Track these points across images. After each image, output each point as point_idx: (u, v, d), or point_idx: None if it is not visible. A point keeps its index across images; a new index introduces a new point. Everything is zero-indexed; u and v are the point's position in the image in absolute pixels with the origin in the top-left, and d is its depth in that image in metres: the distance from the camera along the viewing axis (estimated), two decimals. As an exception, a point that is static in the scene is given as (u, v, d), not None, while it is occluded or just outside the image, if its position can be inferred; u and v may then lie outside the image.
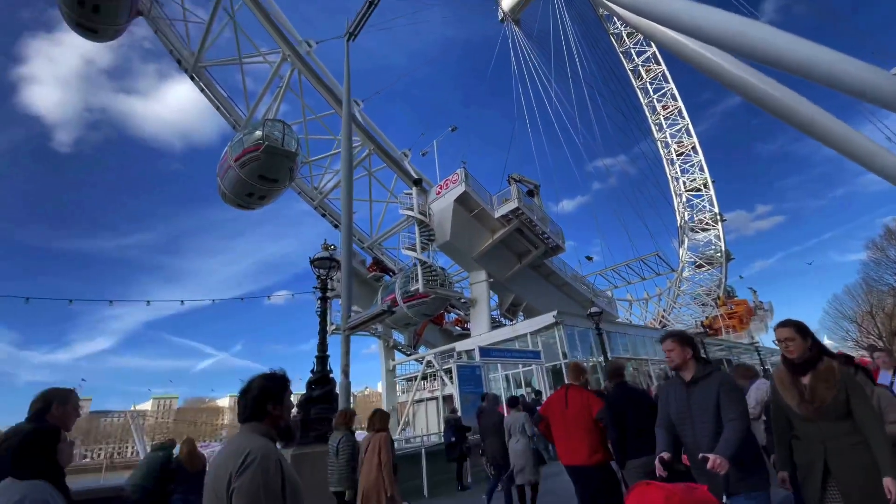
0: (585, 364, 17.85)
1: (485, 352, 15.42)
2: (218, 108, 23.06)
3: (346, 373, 8.82)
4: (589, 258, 37.31)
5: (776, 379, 2.90)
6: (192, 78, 21.98)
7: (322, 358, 9.70)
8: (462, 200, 23.27)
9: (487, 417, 7.68)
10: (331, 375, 9.62)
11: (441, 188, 24.27)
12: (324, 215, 27.01)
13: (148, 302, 28.57)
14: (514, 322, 25.59)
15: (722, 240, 55.21)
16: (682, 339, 3.22)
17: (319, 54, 23.76)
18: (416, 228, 23.43)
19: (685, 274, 54.49)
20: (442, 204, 23.70)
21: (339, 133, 22.23)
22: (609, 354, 17.75)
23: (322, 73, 23.49)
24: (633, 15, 11.98)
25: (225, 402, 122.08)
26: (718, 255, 54.08)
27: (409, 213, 23.75)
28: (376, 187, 27.19)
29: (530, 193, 26.40)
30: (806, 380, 2.70)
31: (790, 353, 2.77)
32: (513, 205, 23.19)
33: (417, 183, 25.20)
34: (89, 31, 18.06)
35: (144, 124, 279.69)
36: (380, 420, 5.22)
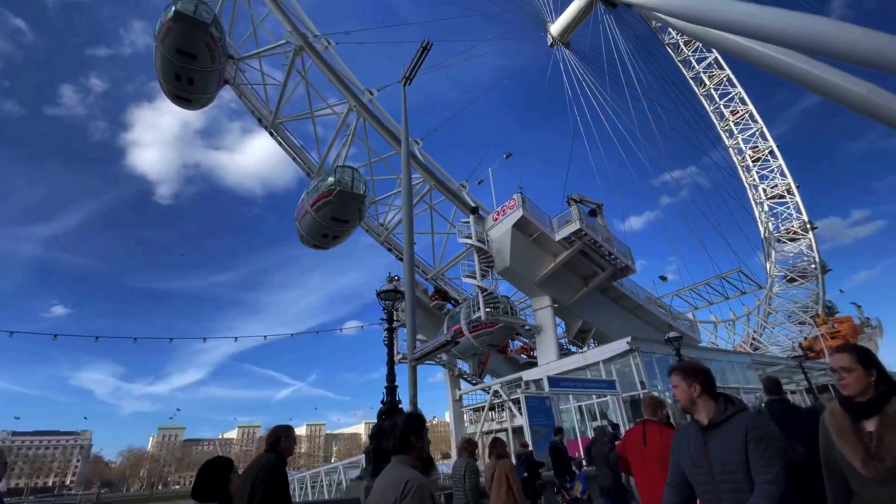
0: (663, 396, 16.43)
1: (554, 381, 14.72)
2: (294, 159, 25.13)
3: (413, 404, 8.83)
4: (663, 278, 34.72)
5: (830, 424, 2.19)
6: (270, 134, 24.24)
7: (391, 388, 9.82)
8: (520, 225, 23.01)
9: (599, 447, 7.44)
10: (400, 406, 9.70)
11: (498, 214, 24.24)
12: (389, 249, 27.85)
13: (236, 339, 31.75)
14: (584, 350, 24.33)
15: (815, 249, 49.20)
16: (689, 370, 2.61)
17: (380, 97, 25.47)
18: (476, 256, 23.44)
19: (776, 289, 48.90)
20: (500, 230, 23.61)
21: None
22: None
23: (384, 118, 25.05)
24: (690, 24, 11.61)
25: (302, 430, 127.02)
26: (812, 266, 48.11)
27: (468, 241, 23.87)
28: (437, 219, 27.78)
29: (592, 213, 25.47)
30: (872, 426, 2.03)
31: (845, 387, 2.13)
32: (574, 226, 22.49)
33: (474, 211, 25.39)
34: (185, 101, 20.65)
35: (230, 175, 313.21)
36: (500, 447, 5.62)
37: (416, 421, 2.33)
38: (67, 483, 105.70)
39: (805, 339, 40.58)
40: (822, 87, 7.44)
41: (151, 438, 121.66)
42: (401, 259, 27.36)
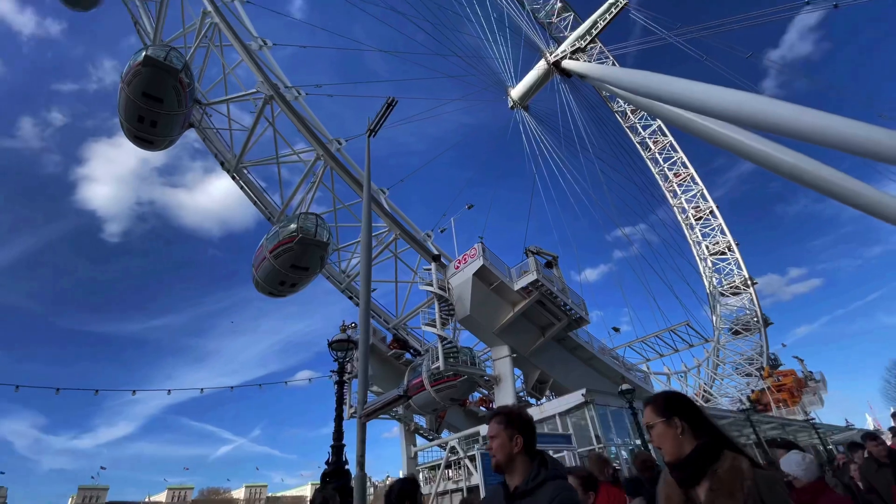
0: (619, 450, 16.44)
1: (511, 436, 14.38)
2: (255, 203, 24.66)
3: (360, 464, 8.29)
4: (616, 329, 35.93)
5: (661, 496, 1.89)
6: (233, 177, 23.90)
7: (338, 448, 9.26)
8: (480, 274, 23.34)
9: None
10: (346, 467, 9.11)
11: (460, 263, 24.54)
12: (350, 297, 27.17)
13: (169, 391, 28.87)
14: (541, 402, 24.17)
15: (756, 303, 52.85)
16: (513, 417, 2.15)
17: (348, 147, 25.86)
18: (436, 304, 23.36)
19: (722, 341, 51.67)
20: (461, 278, 23.82)
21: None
22: (646, 437, 16.27)
23: (350, 167, 25.30)
24: (636, 96, 12.94)
25: (240, 493, 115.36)
26: (755, 319, 51.45)
27: (429, 288, 23.83)
28: (402, 269, 27.70)
29: (549, 265, 26.32)
30: (702, 492, 1.71)
31: (660, 451, 1.83)
32: (531, 277, 23.08)
33: (436, 259, 25.61)
34: (146, 142, 19.83)
35: (187, 214, 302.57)
36: None
37: (411, 485, 2.40)
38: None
39: (752, 391, 42.40)
40: (754, 156, 8.27)
41: (71, 500, 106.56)
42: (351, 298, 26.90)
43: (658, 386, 43.17)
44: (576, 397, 17.42)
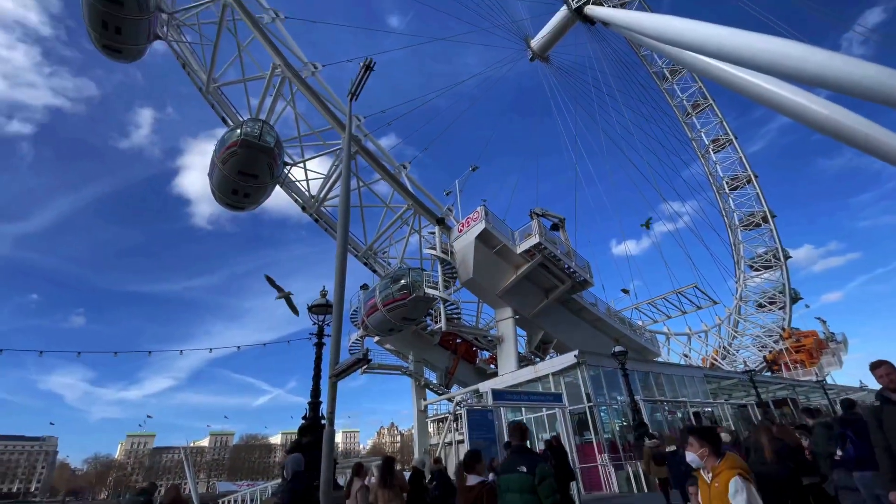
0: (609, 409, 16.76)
1: (498, 395, 14.84)
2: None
3: (331, 421, 8.85)
4: (625, 291, 35.41)
5: None
6: (210, 103, 23.12)
7: (314, 404, 9.86)
8: (483, 238, 23.30)
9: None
10: (322, 422, 9.74)
11: (463, 226, 24.50)
12: (374, 271, 26.95)
13: (210, 350, 31.00)
14: (537, 361, 24.62)
15: (786, 279, 50.53)
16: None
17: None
18: (439, 266, 23.61)
19: (742, 314, 50.20)
20: (463, 242, 23.86)
21: (390, 200, 25.30)
22: (639, 396, 16.49)
23: (376, 150, 25.11)
24: (659, 43, 12.06)
25: (277, 439, 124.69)
26: (782, 294, 49.45)
27: (432, 252, 24.04)
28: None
29: (555, 227, 25.92)
30: None
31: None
32: (534, 240, 22.86)
33: (440, 222, 25.58)
34: (115, 51, 19.57)
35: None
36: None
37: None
38: (32, 490, 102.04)
39: (769, 352, 41.57)
40: (788, 109, 7.55)
41: (120, 446, 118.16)
42: (375, 271, 27.00)
43: (677, 347, 42.98)
44: (568, 358, 17.66)
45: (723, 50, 8.33)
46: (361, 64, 12.60)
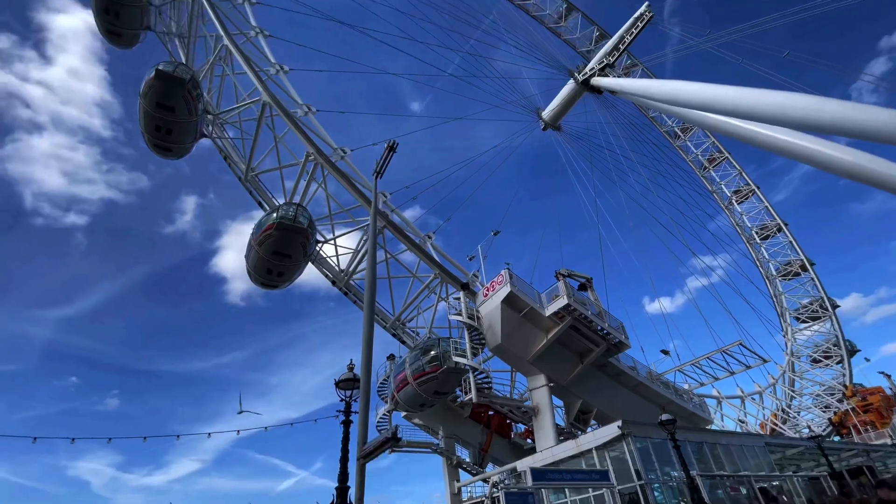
0: (661, 487, 15.07)
1: (538, 474, 13.65)
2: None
3: (359, 507, 8.24)
4: (665, 352, 33.40)
5: None
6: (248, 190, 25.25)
7: (342, 490, 9.25)
8: (509, 301, 22.92)
9: None
10: (350, 510, 9.07)
11: (488, 291, 24.28)
12: (403, 342, 27.28)
13: (238, 432, 30.56)
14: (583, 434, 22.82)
15: (838, 329, 47.08)
16: None
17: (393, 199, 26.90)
18: (466, 333, 23.11)
19: (796, 371, 46.31)
20: (490, 307, 23.50)
21: (417, 269, 25.76)
22: (695, 471, 14.80)
23: (402, 222, 26.32)
24: (666, 105, 12.60)
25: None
26: (836, 346, 45.79)
27: (458, 317, 23.70)
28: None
29: (583, 287, 25.36)
30: None
31: None
32: (562, 301, 22.27)
33: (465, 287, 25.50)
34: (165, 150, 22.43)
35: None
36: None
37: None
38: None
39: (835, 413, 37.39)
40: (810, 157, 7.51)
41: None
42: (403, 342, 26.72)
43: (730, 411, 39.26)
44: (612, 429, 16.26)
45: (738, 108, 8.56)
46: (385, 145, 13.58)
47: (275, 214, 20.37)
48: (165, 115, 20.01)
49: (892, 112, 6.13)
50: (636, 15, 43.25)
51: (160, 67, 19.42)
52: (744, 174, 58.80)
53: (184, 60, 24.39)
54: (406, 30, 34.22)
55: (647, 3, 42.27)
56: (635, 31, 44.27)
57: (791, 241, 53.89)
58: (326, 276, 25.60)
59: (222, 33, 23.68)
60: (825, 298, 49.88)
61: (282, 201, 24.61)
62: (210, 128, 24.41)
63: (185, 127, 21.09)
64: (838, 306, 49.82)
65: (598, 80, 39.12)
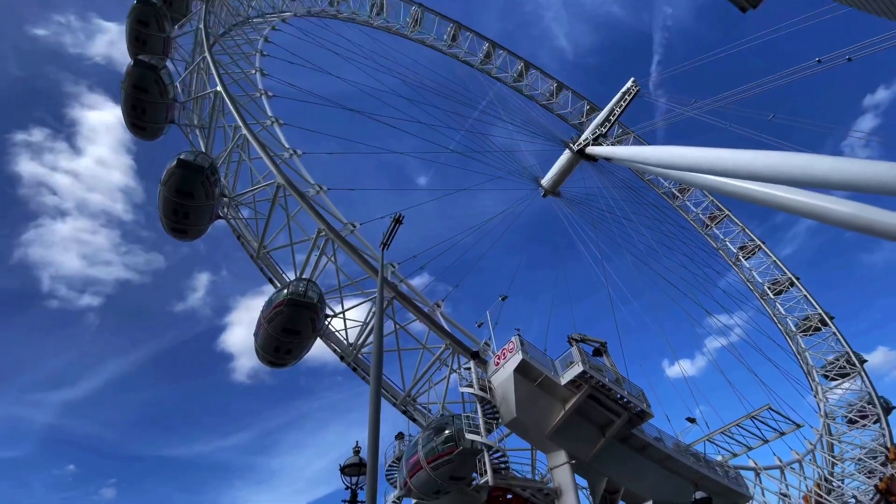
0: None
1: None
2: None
3: None
4: (691, 420, 31.37)
5: None
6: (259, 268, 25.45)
7: None
8: (522, 370, 22.07)
9: None
10: None
11: (499, 359, 23.54)
12: (414, 420, 25.82)
13: None
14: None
15: (869, 385, 44.65)
16: None
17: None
18: (478, 407, 22.03)
19: (833, 434, 43.19)
20: (501, 376, 22.63)
21: (427, 340, 25.35)
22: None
23: (410, 292, 26.62)
24: (661, 169, 13.13)
25: None
26: (871, 405, 43.13)
27: (469, 389, 22.74)
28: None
29: (597, 352, 24.55)
30: None
31: None
32: (578, 368, 21.43)
33: (476, 356, 24.75)
34: (181, 232, 23.04)
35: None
36: None
37: None
38: None
39: (880, 479, 34.09)
40: (809, 212, 7.63)
41: None
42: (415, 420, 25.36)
43: (769, 483, 35.89)
44: (644, 512, 14.85)
45: (738, 169, 8.90)
46: (392, 218, 14.08)
47: (285, 291, 20.58)
48: (184, 200, 21.12)
49: (887, 164, 6.37)
50: (623, 89, 46.48)
51: (182, 157, 20.87)
52: (747, 230, 59.22)
53: (203, 149, 26.13)
54: (410, 113, 36.86)
55: (633, 79, 45.56)
56: (624, 104, 47.33)
57: (805, 295, 52.77)
58: (335, 350, 25.16)
59: (241, 124, 25.62)
60: (851, 353, 47.75)
61: (292, 276, 25.05)
62: (225, 209, 25.55)
63: (202, 210, 22.14)
64: (866, 361, 47.51)
65: (592, 149, 41.31)
